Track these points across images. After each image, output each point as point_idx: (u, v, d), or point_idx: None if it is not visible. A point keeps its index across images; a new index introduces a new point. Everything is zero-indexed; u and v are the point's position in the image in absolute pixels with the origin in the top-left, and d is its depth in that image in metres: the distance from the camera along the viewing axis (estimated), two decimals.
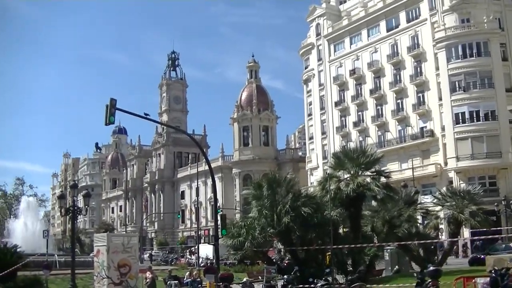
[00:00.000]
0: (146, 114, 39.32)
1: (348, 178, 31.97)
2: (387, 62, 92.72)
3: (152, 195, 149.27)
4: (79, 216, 41.85)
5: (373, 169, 33.06)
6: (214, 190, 41.81)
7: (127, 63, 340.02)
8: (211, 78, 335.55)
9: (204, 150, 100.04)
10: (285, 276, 27.09)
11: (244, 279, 28.74)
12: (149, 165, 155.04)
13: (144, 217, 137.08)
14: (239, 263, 55.24)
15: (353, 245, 30.29)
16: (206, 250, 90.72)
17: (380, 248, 34.62)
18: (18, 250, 46.52)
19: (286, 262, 34.16)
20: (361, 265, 31.70)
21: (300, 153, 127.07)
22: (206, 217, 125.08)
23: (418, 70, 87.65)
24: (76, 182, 46.24)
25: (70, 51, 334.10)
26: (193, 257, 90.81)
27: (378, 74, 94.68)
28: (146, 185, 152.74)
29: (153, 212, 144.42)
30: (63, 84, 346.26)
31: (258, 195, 32.41)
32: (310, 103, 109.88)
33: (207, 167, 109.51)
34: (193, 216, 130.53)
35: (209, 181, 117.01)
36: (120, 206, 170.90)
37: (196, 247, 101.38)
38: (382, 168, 35.44)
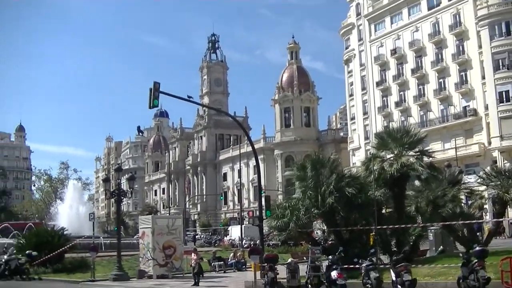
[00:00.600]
0: (189, 97, 39.57)
1: (392, 158, 31.79)
2: (429, 41, 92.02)
3: (195, 177, 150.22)
4: (123, 199, 42.30)
5: (416, 149, 32.80)
6: (258, 171, 41.91)
7: (167, 46, 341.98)
8: (251, 60, 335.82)
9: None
10: (330, 257, 27.09)
11: (289, 260, 28.75)
12: (191, 148, 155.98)
13: (187, 199, 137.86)
14: (283, 244, 55.45)
15: (397, 226, 30.21)
16: (236, 232, 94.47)
17: (424, 229, 34.41)
18: (65, 232, 47.41)
19: (329, 242, 34.17)
20: (406, 246, 31.59)
21: (341, 134, 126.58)
22: (248, 199, 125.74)
23: (460, 49, 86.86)
24: (120, 165, 46.70)
25: (111, 35, 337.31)
26: (227, 237, 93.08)
27: (420, 53, 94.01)
28: (188, 167, 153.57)
29: (196, 194, 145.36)
30: (103, 69, 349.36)
31: (302, 176, 32.35)
32: (351, 84, 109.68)
33: (248, 149, 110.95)
34: (236, 198, 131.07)
35: (251, 163, 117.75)
36: (163, 189, 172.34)
37: (229, 229, 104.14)
38: (425, 148, 35.10)
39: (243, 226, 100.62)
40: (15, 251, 42.56)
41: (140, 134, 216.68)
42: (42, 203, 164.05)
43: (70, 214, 79.46)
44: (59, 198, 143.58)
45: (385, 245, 31.14)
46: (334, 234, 32.29)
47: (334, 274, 25.52)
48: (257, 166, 41.24)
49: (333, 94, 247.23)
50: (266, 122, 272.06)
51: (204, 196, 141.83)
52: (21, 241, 46.45)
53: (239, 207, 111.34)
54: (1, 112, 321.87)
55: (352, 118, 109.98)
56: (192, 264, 34.75)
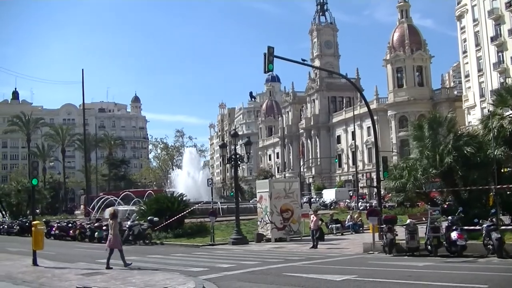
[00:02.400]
0: (303, 60, 39.72)
1: None
2: None
3: (308, 140, 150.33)
4: (239, 164, 42.97)
5: None
6: (374, 132, 41.75)
7: (276, 11, 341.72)
8: (359, 20, 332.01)
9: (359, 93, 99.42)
10: (450, 217, 26.74)
11: (408, 221, 28.57)
12: (303, 111, 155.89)
13: (301, 162, 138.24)
14: (399, 205, 54.94)
15: None
16: (330, 194, 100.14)
17: None
18: (184, 198, 48.57)
19: (447, 203, 33.66)
20: None
21: (455, 92, 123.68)
22: (363, 161, 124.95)
23: None
24: (236, 131, 47.42)
25: (220, 3, 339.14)
26: (320, 200, 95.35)
27: None
28: (302, 131, 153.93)
29: (310, 157, 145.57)
30: (214, 37, 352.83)
31: (419, 136, 31.98)
32: (465, 40, 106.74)
33: (362, 111, 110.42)
34: (350, 160, 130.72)
35: (365, 125, 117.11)
36: (277, 153, 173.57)
37: (322, 192, 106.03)
38: None
39: (335, 189, 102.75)
40: (137, 217, 44.01)
41: (253, 99, 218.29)
42: (159, 170, 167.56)
43: (188, 180, 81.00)
44: (175, 165, 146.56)
45: (505, 206, 30.49)
46: (453, 194, 31.82)
47: (454, 235, 25.22)
48: (373, 127, 40.97)
49: (445, 52, 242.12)
50: (377, 83, 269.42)
51: (318, 159, 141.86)
52: (143, 208, 47.97)
53: (353, 169, 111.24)
54: (118, 84, 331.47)
55: (467, 76, 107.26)
56: (312, 227, 34.94)
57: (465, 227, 26.14)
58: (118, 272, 22.37)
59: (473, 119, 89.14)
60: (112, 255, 24.19)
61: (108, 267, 23.53)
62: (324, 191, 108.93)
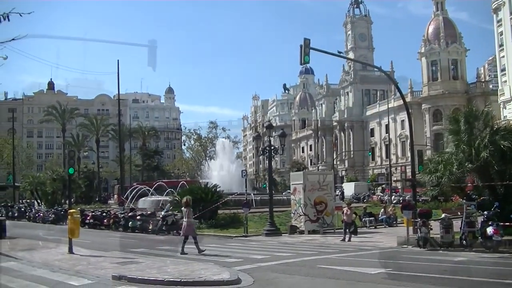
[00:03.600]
0: (339, 52, 39.83)
1: None
2: None
3: (342, 133, 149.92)
4: (273, 156, 43.01)
5: None
6: (409, 125, 41.43)
7: (310, 3, 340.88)
8: (393, 13, 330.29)
9: (393, 86, 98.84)
10: (485, 212, 26.51)
11: (443, 215, 28.42)
12: (337, 104, 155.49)
13: (335, 155, 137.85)
14: (433, 199, 54.61)
15: None
16: (349, 188, 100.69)
17: None
18: (217, 189, 48.66)
19: (481, 198, 33.37)
20: None
21: (491, 86, 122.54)
22: (396, 154, 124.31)
23: None
24: (270, 122, 47.66)
25: None
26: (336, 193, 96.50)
27: None
28: (335, 123, 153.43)
29: (343, 150, 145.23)
30: (247, 29, 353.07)
31: (455, 130, 31.73)
32: (501, 33, 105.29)
33: (396, 104, 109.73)
34: (383, 153, 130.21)
35: (398, 118, 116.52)
36: (310, 145, 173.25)
37: (342, 185, 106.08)
38: None
39: (354, 183, 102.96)
40: (171, 207, 44.15)
41: (286, 91, 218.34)
42: (192, 161, 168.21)
43: (221, 171, 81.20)
44: (208, 156, 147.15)
45: None
46: (489, 189, 31.54)
47: (490, 230, 25.01)
48: (408, 120, 40.77)
49: (481, 45, 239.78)
50: (411, 76, 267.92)
51: (352, 152, 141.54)
52: (176, 198, 48.06)
53: (386, 163, 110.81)
54: (153, 75, 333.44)
55: (503, 70, 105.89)
56: (345, 219, 34.81)
57: (501, 223, 25.93)
58: (153, 261, 22.57)
59: (508, 113, 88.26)
60: (186, 242, 26.39)
61: (182, 253, 25.56)
62: (344, 185, 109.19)
